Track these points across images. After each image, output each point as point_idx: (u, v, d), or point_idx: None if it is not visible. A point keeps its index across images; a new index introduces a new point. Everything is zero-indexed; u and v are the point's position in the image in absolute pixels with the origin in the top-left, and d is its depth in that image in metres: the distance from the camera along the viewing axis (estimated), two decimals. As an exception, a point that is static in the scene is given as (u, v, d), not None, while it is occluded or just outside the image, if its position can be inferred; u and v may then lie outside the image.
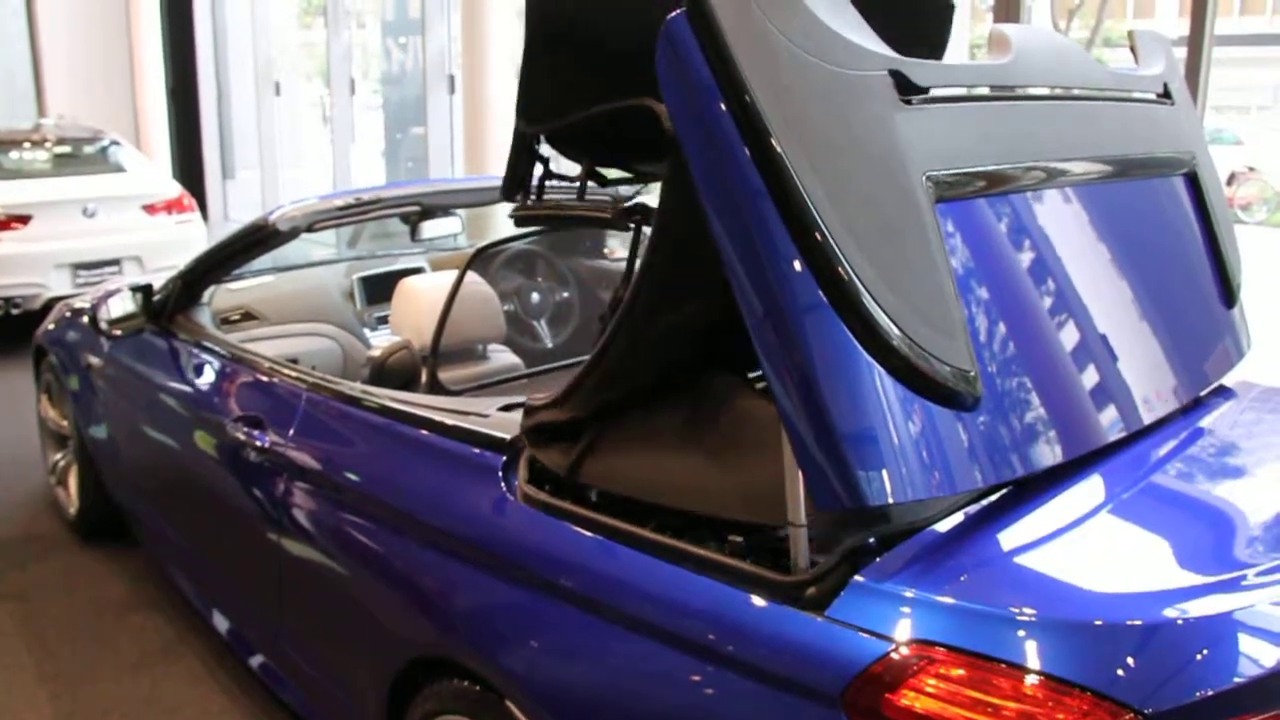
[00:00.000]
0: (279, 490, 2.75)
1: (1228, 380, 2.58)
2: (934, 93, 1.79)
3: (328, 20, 11.38)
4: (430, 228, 3.68)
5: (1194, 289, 2.42)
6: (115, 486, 4.09)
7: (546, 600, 1.98)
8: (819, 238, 1.55)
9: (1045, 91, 2.14)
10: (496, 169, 8.84)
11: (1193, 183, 2.45)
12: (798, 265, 1.56)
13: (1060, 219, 2.07)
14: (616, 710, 1.84)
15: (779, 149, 1.56)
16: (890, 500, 1.60)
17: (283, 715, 3.10)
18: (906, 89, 1.74)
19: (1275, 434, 2.51)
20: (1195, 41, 4.64)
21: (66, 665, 3.51)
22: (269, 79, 12.72)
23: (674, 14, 1.62)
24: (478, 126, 8.48)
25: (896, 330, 1.58)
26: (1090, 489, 1.99)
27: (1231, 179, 15.73)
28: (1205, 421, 2.40)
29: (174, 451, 3.43)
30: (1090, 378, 2.03)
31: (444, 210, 3.69)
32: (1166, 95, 2.46)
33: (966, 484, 1.71)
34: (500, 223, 7.23)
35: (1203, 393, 2.39)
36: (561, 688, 1.92)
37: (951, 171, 1.77)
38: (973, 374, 1.67)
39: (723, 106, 1.58)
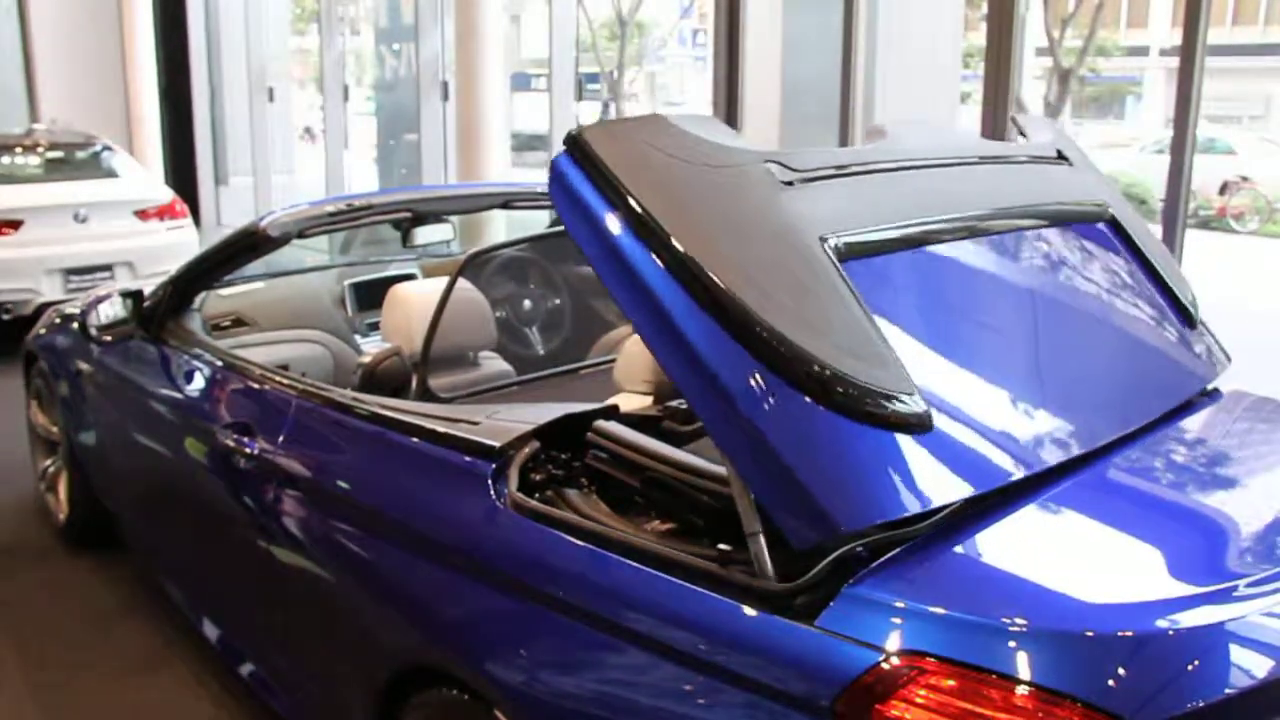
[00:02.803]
0: (268, 497, 2.74)
1: (1224, 393, 2.60)
2: (811, 173, 1.99)
3: (321, 26, 11.38)
4: (422, 234, 3.67)
5: (1144, 315, 2.52)
6: (105, 493, 4.07)
7: (535, 609, 1.97)
8: (732, 305, 1.68)
9: (926, 161, 2.32)
10: (489, 176, 8.84)
11: (1115, 227, 2.59)
12: (717, 333, 1.68)
13: (982, 262, 2.21)
14: (603, 719, 1.83)
15: (674, 239, 1.73)
16: (861, 525, 1.64)
17: (272, 723, 3.09)
18: (783, 176, 1.95)
19: (1267, 444, 2.51)
20: (1188, 51, 4.65)
21: (54, 673, 3.49)
22: (262, 85, 12.71)
23: (557, 154, 1.85)
24: (471, 133, 8.48)
25: (829, 369, 1.66)
26: (1081, 500, 1.99)
27: (1224, 189, 15.80)
28: (1197, 432, 2.40)
29: (163, 458, 3.41)
30: (1042, 397, 2.09)
31: (436, 217, 3.68)
32: (1062, 158, 2.65)
33: (934, 500, 1.72)
34: (493, 229, 7.22)
35: (1176, 405, 2.41)
36: (550, 697, 1.91)
37: (850, 233, 1.91)
38: (914, 397, 1.72)
39: (616, 218, 1.77)
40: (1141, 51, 28.89)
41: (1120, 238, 2.61)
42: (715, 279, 1.70)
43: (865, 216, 1.99)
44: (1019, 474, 1.87)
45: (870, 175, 2.15)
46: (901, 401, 1.71)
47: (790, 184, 1.95)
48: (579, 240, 1.83)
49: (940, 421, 1.77)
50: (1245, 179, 15.96)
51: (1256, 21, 29.95)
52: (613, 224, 1.78)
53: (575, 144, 1.84)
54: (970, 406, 1.92)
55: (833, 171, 2.06)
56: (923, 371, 1.83)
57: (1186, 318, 2.61)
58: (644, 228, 1.76)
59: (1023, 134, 2.74)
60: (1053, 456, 1.97)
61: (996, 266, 2.26)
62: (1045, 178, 2.60)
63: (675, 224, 1.75)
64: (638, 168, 1.82)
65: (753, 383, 1.66)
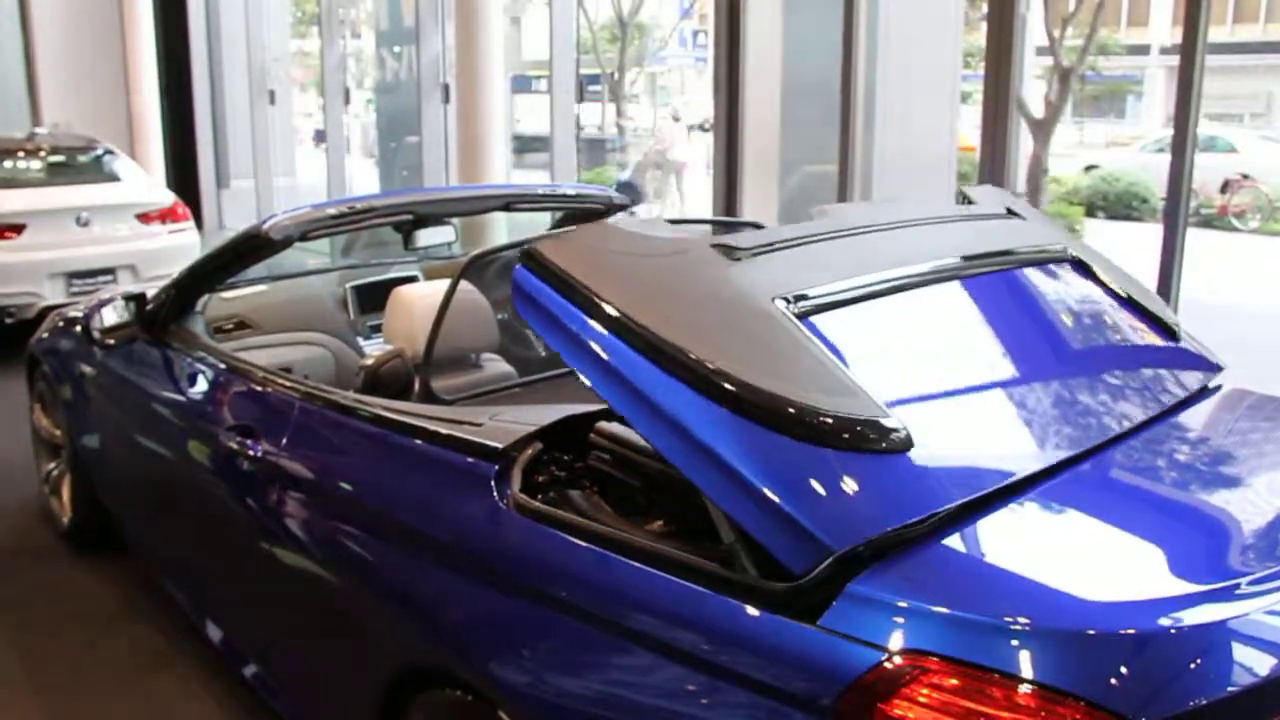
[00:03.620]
0: (272, 500, 2.74)
1: (1222, 390, 2.63)
2: (757, 249, 2.17)
3: (322, 29, 11.38)
4: (424, 236, 3.67)
5: (1121, 334, 2.65)
6: (108, 496, 4.08)
7: (539, 610, 1.97)
8: (696, 366, 1.79)
9: (875, 227, 2.51)
10: (490, 178, 8.85)
11: (1079, 265, 2.75)
12: (686, 393, 1.78)
13: (950, 302, 2.38)
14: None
15: (633, 317, 1.87)
16: (854, 542, 1.66)
17: (276, 726, 3.09)
18: (731, 253, 2.11)
19: (1269, 442, 2.51)
20: (1189, 49, 4.64)
21: (58, 676, 3.50)
22: (263, 87, 12.71)
23: (515, 268, 2.03)
24: (472, 135, 8.48)
25: (798, 405, 1.74)
26: (1084, 498, 1.99)
27: (1225, 187, 15.77)
28: (1199, 431, 2.41)
29: (167, 461, 3.41)
30: (1023, 412, 2.21)
31: (437, 219, 3.68)
32: (1013, 215, 2.85)
33: (925, 509, 1.75)
34: (494, 231, 7.22)
35: (1167, 407, 2.44)
36: (553, 698, 1.92)
37: (804, 290, 2.05)
38: (887, 420, 1.79)
39: (581, 313, 1.92)
40: (1142, 50, 28.89)
41: (1086, 273, 2.75)
42: (677, 346, 1.82)
43: (818, 276, 2.14)
44: (1003, 481, 1.91)
45: (819, 243, 2.33)
46: (874, 425, 1.77)
47: (738, 259, 2.12)
48: (550, 340, 1.97)
49: (922, 439, 1.82)
50: (1246, 177, 15.94)
51: (1257, 19, 29.93)
52: (578, 319, 1.92)
53: (532, 257, 2.01)
54: (950, 425, 2.03)
55: (778, 244, 2.24)
56: (903, 399, 1.93)
57: (1168, 333, 2.70)
58: (606, 316, 1.90)
59: (970, 202, 2.90)
60: (1036, 463, 2.00)
61: (965, 305, 2.42)
62: (1000, 230, 2.77)
63: (633, 306, 1.90)
64: (592, 266, 1.98)
65: (727, 431, 1.75)
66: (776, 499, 1.68)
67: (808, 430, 1.73)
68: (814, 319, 2.01)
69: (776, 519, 1.68)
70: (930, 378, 2.14)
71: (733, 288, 2.03)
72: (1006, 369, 2.32)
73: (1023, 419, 2.18)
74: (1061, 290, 2.66)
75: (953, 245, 2.55)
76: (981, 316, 2.44)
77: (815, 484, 1.71)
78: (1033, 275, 2.62)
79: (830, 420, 1.74)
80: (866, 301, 2.17)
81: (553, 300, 1.97)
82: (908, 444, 1.79)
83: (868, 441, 1.76)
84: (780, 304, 1.99)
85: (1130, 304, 2.73)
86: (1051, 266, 2.69)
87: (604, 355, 1.88)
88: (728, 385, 1.77)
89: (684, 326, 1.87)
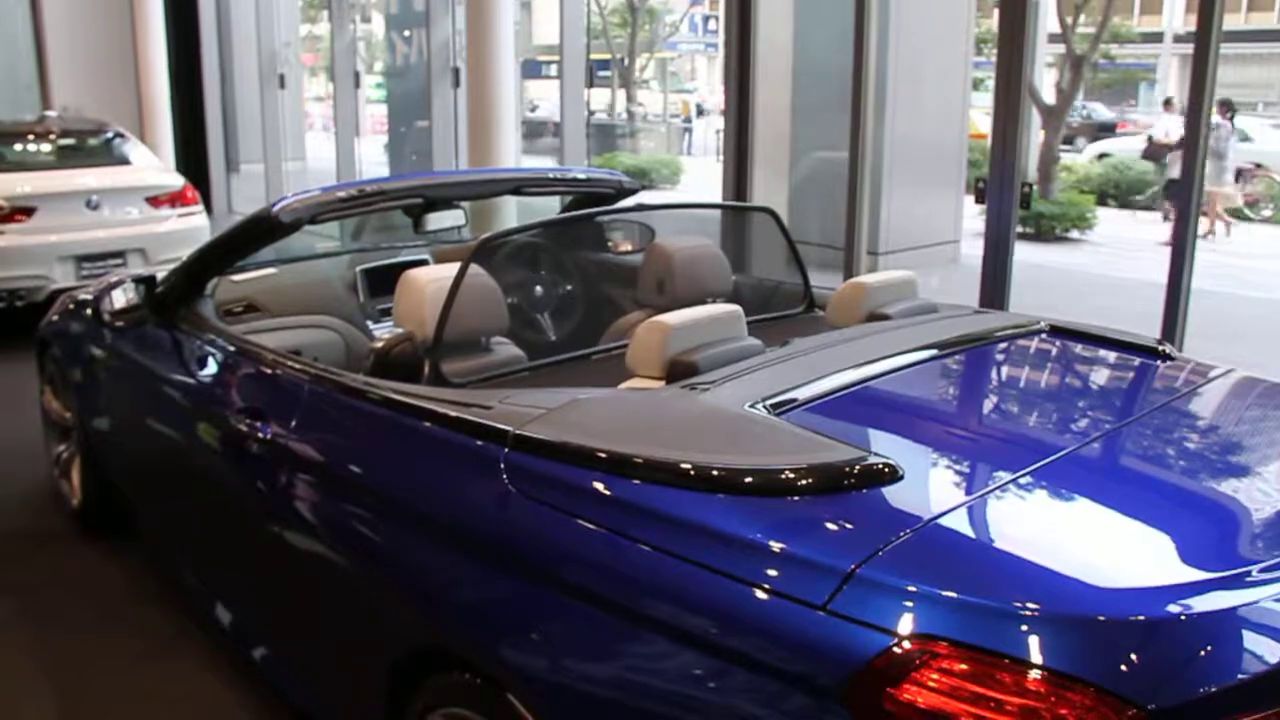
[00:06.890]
0: (281, 482, 2.74)
1: (1228, 380, 2.67)
2: (716, 381, 2.36)
3: (332, 13, 11.37)
4: (434, 220, 3.67)
5: (1110, 369, 2.93)
6: (118, 478, 4.09)
7: (547, 593, 1.98)
8: (687, 469, 1.92)
9: (846, 339, 2.76)
10: (500, 162, 8.85)
11: (1056, 330, 3.01)
12: (685, 496, 1.88)
13: (937, 374, 2.69)
14: (616, 702, 1.83)
15: (615, 451, 2.02)
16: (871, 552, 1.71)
17: (285, 708, 3.10)
18: (693, 389, 2.32)
19: (1279, 430, 2.51)
20: (1202, 38, 4.62)
21: (68, 659, 3.51)
22: (273, 71, 12.71)
23: (507, 452, 2.15)
24: (482, 119, 8.47)
25: (789, 472, 1.87)
26: (1094, 485, 1.99)
27: (1239, 176, 15.67)
28: (1209, 418, 2.41)
29: (176, 443, 3.42)
30: (1024, 447, 2.34)
31: (447, 202, 3.68)
32: (979, 312, 3.26)
33: (926, 515, 1.82)
34: (504, 215, 7.22)
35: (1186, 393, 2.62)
36: (562, 680, 1.92)
37: (775, 396, 2.25)
38: (869, 458, 1.91)
39: (576, 469, 2.04)
40: (1155, 38, 28.77)
41: (1065, 335, 3.00)
42: (665, 459, 1.95)
43: (789, 382, 2.33)
44: (1001, 479, 2.00)
45: (782, 363, 2.50)
46: (867, 464, 1.89)
47: (706, 390, 2.30)
48: (551, 503, 2.04)
49: (915, 468, 1.98)
50: (1260, 166, 15.84)
51: (1272, 7, 29.77)
52: (576, 475, 2.03)
53: (515, 439, 2.16)
54: (947, 459, 2.26)
55: (742, 372, 2.42)
56: (902, 451, 2.13)
57: (1159, 355, 2.87)
58: (594, 459, 2.03)
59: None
60: (1023, 464, 2.08)
61: (957, 374, 2.71)
62: (973, 320, 3.05)
63: (615, 443, 2.04)
64: (573, 431, 2.13)
65: (733, 514, 1.83)
66: (798, 555, 1.72)
67: (803, 486, 1.85)
68: (792, 413, 2.19)
69: (797, 568, 1.70)
70: (927, 432, 2.37)
71: (701, 408, 2.23)
72: (1008, 418, 2.53)
73: (1026, 448, 2.27)
74: (1047, 349, 2.93)
75: (928, 337, 2.77)
76: (974, 380, 2.71)
77: (822, 525, 1.80)
78: (1015, 345, 2.92)
79: (819, 470, 1.87)
80: (850, 389, 2.37)
81: (549, 466, 2.08)
82: (894, 473, 1.89)
83: (860, 479, 1.87)
84: (759, 406, 2.18)
85: (1116, 345, 2.94)
86: (1032, 336, 2.96)
87: (596, 492, 1.98)
88: (711, 472, 1.90)
89: (666, 444, 2.02)
